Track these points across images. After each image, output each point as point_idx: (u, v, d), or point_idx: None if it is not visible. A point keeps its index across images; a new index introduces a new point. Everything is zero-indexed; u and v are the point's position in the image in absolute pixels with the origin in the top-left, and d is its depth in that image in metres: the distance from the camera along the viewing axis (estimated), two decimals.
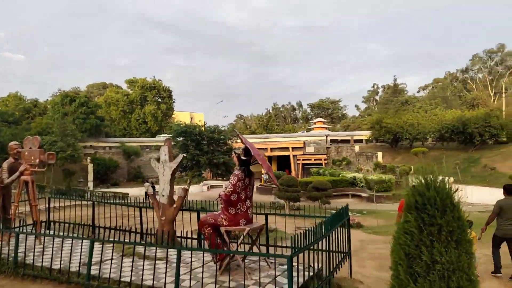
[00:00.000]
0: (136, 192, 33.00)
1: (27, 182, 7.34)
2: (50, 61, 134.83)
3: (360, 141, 44.29)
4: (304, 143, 45.15)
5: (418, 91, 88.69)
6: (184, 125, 22.32)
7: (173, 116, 68.03)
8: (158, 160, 7.89)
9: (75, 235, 7.99)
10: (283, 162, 54.35)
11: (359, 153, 39.47)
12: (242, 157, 5.48)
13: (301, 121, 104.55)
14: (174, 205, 7.32)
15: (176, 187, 7.80)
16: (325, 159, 44.13)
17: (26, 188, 7.50)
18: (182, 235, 7.81)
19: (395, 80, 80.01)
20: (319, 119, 78.39)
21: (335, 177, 33.14)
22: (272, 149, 46.75)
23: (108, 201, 9.47)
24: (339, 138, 45.27)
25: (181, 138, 22.26)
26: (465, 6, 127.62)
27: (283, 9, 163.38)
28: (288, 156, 49.27)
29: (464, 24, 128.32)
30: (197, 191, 39.30)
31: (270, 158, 51.49)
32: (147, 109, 60.48)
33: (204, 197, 34.81)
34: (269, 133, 63.62)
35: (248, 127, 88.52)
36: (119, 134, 55.81)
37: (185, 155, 7.70)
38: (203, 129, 22.38)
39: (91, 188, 33.97)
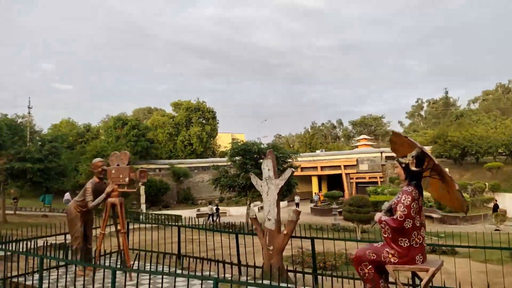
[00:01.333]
0: (187, 213, 32.26)
1: (115, 205, 6.33)
2: (95, 89, 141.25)
3: None
4: (357, 160, 43.02)
5: (468, 104, 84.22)
6: (242, 143, 21.33)
7: (216, 137, 68.09)
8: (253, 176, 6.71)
9: (165, 267, 6.83)
10: (333, 182, 52.19)
11: None
12: (413, 168, 4.08)
13: (342, 139, 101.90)
14: (284, 232, 6.01)
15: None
16: (380, 177, 41.70)
17: (112, 213, 6.50)
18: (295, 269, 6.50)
19: (446, 92, 76.34)
20: (363, 136, 75.55)
21: (388, 196, 30.74)
22: (322, 168, 44.89)
23: (194, 225, 8.33)
24: (395, 155, 42.67)
25: (238, 158, 21.27)
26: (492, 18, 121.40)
27: (316, 29, 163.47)
28: (339, 175, 47.21)
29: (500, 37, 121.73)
30: (244, 213, 38.06)
31: (319, 177, 49.54)
32: (192, 130, 60.72)
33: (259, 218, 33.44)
34: (312, 152, 61.76)
35: (291, 146, 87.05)
36: (165, 156, 56.17)
37: (293, 169, 6.43)
38: (261, 146, 21.30)
39: (144, 211, 33.62)
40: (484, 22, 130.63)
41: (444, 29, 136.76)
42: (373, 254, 3.89)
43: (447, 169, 33.38)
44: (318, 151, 57.63)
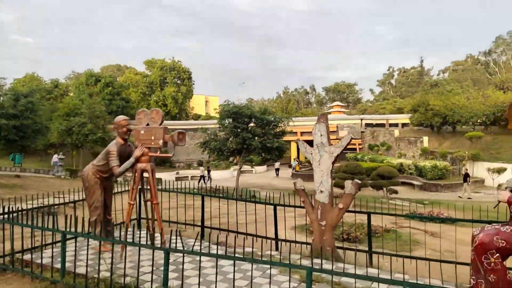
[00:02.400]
0: (166, 177, 31.33)
1: (145, 171, 5.43)
2: (57, 44, 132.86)
3: (395, 125, 42.00)
4: (337, 127, 42.97)
5: (438, 74, 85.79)
6: (233, 105, 20.34)
7: (191, 99, 66.26)
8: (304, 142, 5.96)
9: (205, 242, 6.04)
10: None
11: (400, 138, 37.20)
12: None
13: (314, 105, 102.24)
14: (340, 206, 5.36)
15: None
16: (359, 144, 42.02)
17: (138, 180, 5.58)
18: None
19: (422, 61, 77.22)
20: (337, 102, 76.06)
21: (377, 163, 31.05)
22: (302, 133, 44.59)
23: (214, 194, 7.55)
24: (374, 122, 42.98)
25: (229, 121, 20.33)
26: None
27: None
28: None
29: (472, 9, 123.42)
30: (228, 176, 37.59)
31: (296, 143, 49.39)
32: (167, 91, 58.53)
33: (240, 182, 33.12)
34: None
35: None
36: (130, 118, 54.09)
37: (352, 136, 5.70)
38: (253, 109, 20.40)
39: None
40: None
41: None
42: (503, 240, 3.29)
43: (426, 137, 33.90)
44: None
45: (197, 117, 72.81)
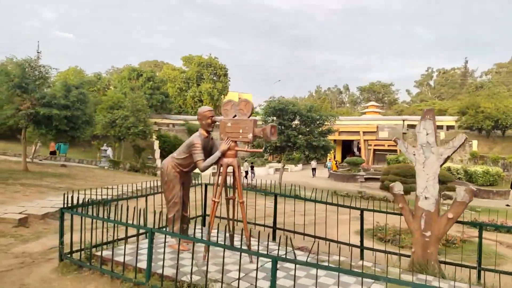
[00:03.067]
0: (204, 172, 31.28)
1: (231, 166, 5.01)
2: (97, 41, 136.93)
3: (440, 127, 40.17)
4: (377, 127, 41.66)
5: (481, 76, 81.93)
6: (277, 101, 19.82)
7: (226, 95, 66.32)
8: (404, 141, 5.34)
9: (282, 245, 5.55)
10: (345, 148, 51.10)
11: (446, 141, 35.54)
12: None
13: (347, 105, 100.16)
14: (450, 215, 4.71)
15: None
16: None
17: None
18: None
19: (466, 62, 73.65)
20: (372, 102, 74.01)
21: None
22: (340, 133, 43.55)
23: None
24: (416, 123, 41.24)
25: (273, 118, 19.82)
26: None
27: None
28: (352, 141, 45.87)
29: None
30: (263, 174, 37.17)
31: (334, 142, 48.41)
32: (203, 87, 58.74)
33: (276, 180, 32.61)
34: None
35: None
36: (174, 112, 54.63)
37: (465, 136, 5.03)
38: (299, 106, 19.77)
39: (159, 165, 32.57)
40: None
41: None
42: None
43: (475, 141, 32.17)
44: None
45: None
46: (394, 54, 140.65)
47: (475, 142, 31.67)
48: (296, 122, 20.01)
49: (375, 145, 42.08)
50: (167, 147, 36.68)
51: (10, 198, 10.33)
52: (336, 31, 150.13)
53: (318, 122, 19.78)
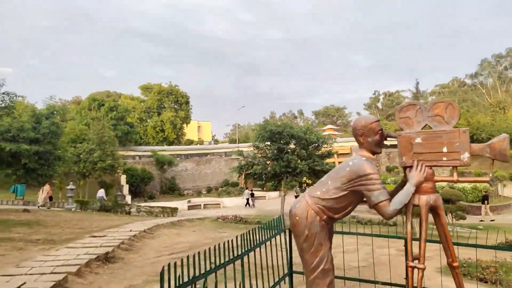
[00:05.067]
0: (179, 205, 28.82)
1: (434, 208, 3.28)
2: (37, 74, 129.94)
3: None
4: (351, 148, 41.38)
5: (426, 97, 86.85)
6: (272, 124, 18.36)
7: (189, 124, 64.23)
8: None
9: None
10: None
11: None
12: None
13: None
14: None
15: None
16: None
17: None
18: None
19: (417, 83, 77.49)
20: (329, 126, 75.38)
21: None
22: (339, 155, 42.77)
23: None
24: (388, 143, 41.45)
25: (267, 143, 18.26)
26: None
27: (267, 21, 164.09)
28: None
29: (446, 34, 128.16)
30: (241, 203, 35.11)
31: None
32: (165, 116, 56.45)
33: (258, 209, 30.68)
34: None
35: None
36: (134, 143, 51.65)
37: None
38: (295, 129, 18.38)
39: (129, 202, 29.60)
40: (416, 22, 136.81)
41: (386, 26, 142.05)
42: None
43: None
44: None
45: (189, 142, 70.67)
46: (335, 79, 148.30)
47: None
48: (292, 145, 18.61)
49: None
50: (135, 182, 33.77)
51: None
52: (280, 59, 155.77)
53: (316, 144, 18.49)
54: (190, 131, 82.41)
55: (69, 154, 21.12)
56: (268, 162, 18.17)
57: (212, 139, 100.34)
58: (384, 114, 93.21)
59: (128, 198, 30.58)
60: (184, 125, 59.97)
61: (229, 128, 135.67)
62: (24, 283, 5.85)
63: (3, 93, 13.36)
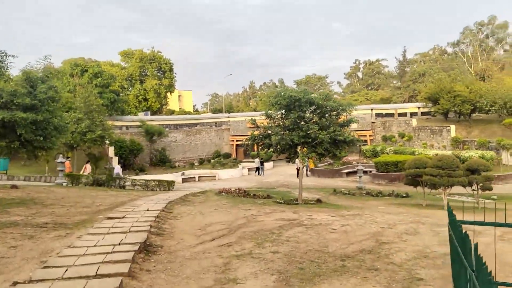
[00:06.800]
0: (172, 178, 27.26)
1: None
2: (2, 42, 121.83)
3: (403, 114, 39.99)
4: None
5: (408, 64, 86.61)
6: (291, 90, 16.80)
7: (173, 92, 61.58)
8: None
9: None
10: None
11: (419, 128, 35.10)
12: None
13: None
14: None
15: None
16: (370, 136, 39.66)
17: None
18: None
19: (404, 51, 76.65)
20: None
21: (406, 156, 28.64)
22: None
23: None
24: (384, 112, 40.75)
25: (281, 112, 16.75)
26: None
27: None
28: None
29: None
30: (237, 175, 33.87)
31: None
32: (148, 84, 53.60)
33: (256, 181, 29.52)
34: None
35: (248, 104, 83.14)
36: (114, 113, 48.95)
37: None
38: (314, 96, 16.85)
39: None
40: None
41: None
42: None
43: (453, 126, 31.94)
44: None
45: (171, 112, 68.32)
46: (315, 48, 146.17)
47: (453, 127, 31.41)
48: (308, 114, 17.19)
49: None
50: (124, 153, 31.78)
51: None
52: (259, 26, 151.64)
53: (335, 112, 17.13)
54: (171, 101, 79.77)
55: (63, 122, 19.08)
56: (283, 132, 16.73)
57: (193, 108, 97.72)
58: (364, 84, 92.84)
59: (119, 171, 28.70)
60: (168, 94, 57.35)
61: (208, 98, 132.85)
62: None
63: None
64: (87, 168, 23.68)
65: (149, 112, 47.72)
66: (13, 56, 11.50)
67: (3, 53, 10.99)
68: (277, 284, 5.16)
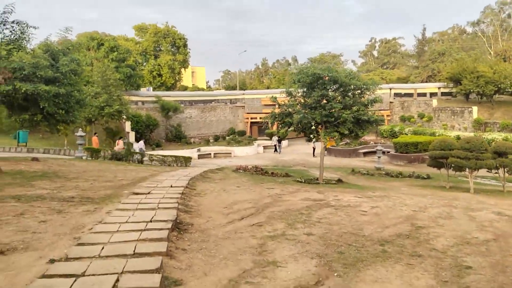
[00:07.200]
0: (188, 154, 27.19)
1: None
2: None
3: (423, 94, 39.03)
4: None
5: (425, 44, 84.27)
6: (316, 67, 16.29)
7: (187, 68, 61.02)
8: None
9: None
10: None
11: (439, 109, 34.26)
12: None
13: None
14: None
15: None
16: (388, 115, 38.91)
17: None
18: None
19: (424, 29, 74.25)
20: None
21: (426, 136, 28.06)
22: None
23: None
24: (402, 92, 39.83)
25: (303, 89, 16.31)
26: None
27: None
28: None
29: None
30: (252, 153, 33.73)
31: None
32: (162, 59, 53.11)
33: (271, 159, 29.38)
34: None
35: (262, 82, 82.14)
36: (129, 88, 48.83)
37: None
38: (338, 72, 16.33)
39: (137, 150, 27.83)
40: None
41: None
42: None
43: (475, 107, 31.07)
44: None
45: (184, 88, 67.94)
46: (328, 26, 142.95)
47: (475, 109, 30.55)
48: (331, 92, 16.70)
49: None
50: (140, 129, 31.79)
51: (21, 240, 5.91)
52: (271, 4, 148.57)
53: (359, 91, 16.63)
54: (184, 77, 79.35)
55: (84, 96, 18.96)
56: (304, 111, 16.33)
57: (206, 85, 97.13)
58: (379, 63, 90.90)
59: (135, 146, 28.76)
60: (182, 69, 56.89)
61: (220, 74, 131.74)
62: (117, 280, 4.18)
63: (12, 22, 10.90)
64: (119, 143, 23.70)
65: (151, 88, 47.29)
66: (34, 27, 11.20)
67: (24, 24, 10.69)
68: (320, 269, 4.97)
